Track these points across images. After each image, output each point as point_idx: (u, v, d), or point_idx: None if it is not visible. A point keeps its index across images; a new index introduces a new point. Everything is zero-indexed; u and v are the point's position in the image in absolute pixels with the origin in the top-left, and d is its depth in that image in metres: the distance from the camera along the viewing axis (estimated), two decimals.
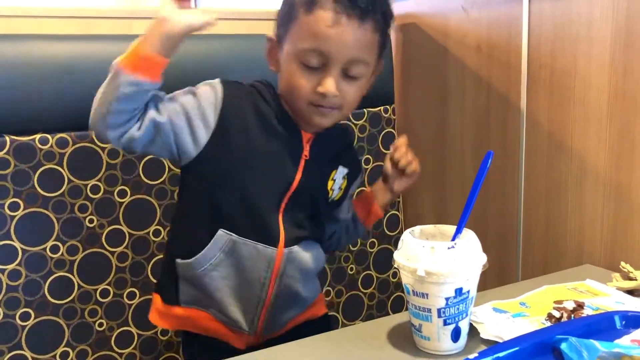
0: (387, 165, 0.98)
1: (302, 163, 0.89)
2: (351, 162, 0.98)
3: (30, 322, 1.01)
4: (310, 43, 0.82)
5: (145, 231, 1.10)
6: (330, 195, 0.95)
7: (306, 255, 0.92)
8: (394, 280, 1.35)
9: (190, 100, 0.85)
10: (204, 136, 0.85)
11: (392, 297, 1.37)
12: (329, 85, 0.83)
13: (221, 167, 0.86)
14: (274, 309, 0.92)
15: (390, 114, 1.34)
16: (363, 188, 1.18)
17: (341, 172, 0.96)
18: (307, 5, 0.82)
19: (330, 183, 0.94)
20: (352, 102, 0.88)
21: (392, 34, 1.33)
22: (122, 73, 0.79)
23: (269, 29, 1.28)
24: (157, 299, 0.95)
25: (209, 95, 0.86)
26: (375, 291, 1.35)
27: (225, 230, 0.86)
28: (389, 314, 1.29)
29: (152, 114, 0.82)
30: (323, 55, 0.82)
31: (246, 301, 0.91)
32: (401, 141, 0.99)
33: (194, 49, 1.13)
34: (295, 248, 0.90)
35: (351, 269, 1.31)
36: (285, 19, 0.86)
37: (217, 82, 0.88)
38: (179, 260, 0.89)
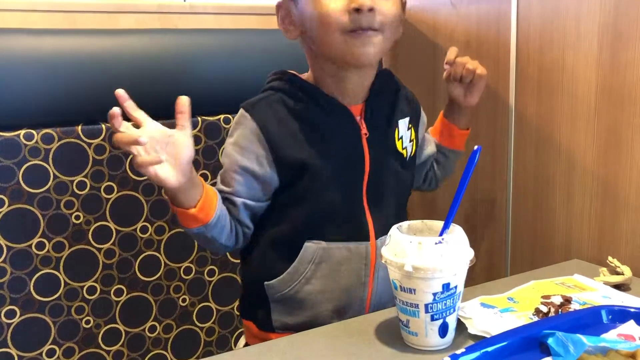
0: (451, 88, 0.97)
1: (365, 142, 0.85)
2: (406, 107, 0.93)
3: (16, 320, 1.00)
4: None
5: (133, 227, 1.09)
6: (405, 155, 0.90)
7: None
8: None
9: (244, 159, 0.83)
10: (274, 174, 0.83)
11: None
12: (377, 20, 0.76)
13: (293, 183, 0.83)
14: (376, 306, 0.88)
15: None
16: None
17: (403, 125, 0.90)
18: None
19: (399, 144, 0.88)
20: (392, 20, 0.80)
21: None
22: (187, 230, 0.81)
23: (255, 23, 1.27)
24: (250, 326, 0.91)
25: (247, 136, 0.83)
26: None
27: (313, 241, 0.83)
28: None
29: (245, 220, 0.85)
30: None
31: (349, 307, 0.86)
32: (452, 53, 0.96)
33: (183, 41, 1.12)
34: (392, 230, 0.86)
35: None
36: None
37: (244, 115, 0.84)
38: (267, 283, 0.85)
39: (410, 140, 0.93)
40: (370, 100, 0.87)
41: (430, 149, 1.03)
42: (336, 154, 0.84)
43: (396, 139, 0.90)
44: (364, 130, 0.85)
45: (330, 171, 0.83)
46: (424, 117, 1.01)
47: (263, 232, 0.88)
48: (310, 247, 0.84)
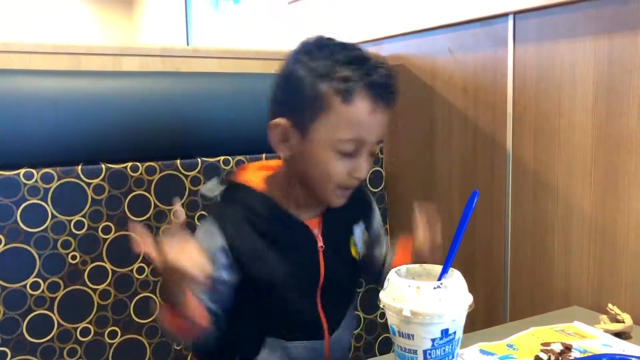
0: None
1: (321, 255, 0.91)
2: (360, 210, 0.99)
3: None
4: (351, 133, 0.83)
5: (129, 268, 1.08)
6: (358, 257, 0.96)
7: (346, 332, 0.97)
8: (382, 321, 1.34)
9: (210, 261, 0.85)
10: (231, 278, 0.87)
11: (379, 339, 1.35)
12: (365, 171, 0.86)
13: (254, 288, 0.88)
14: None
15: (378, 153, 1.34)
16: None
17: (358, 231, 0.97)
18: (344, 96, 0.82)
19: (353, 250, 0.95)
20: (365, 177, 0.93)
21: None
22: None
23: (257, 67, 1.30)
24: None
25: (216, 250, 0.86)
26: (363, 332, 1.33)
27: (273, 337, 0.90)
28: (376, 356, 1.27)
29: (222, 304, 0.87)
30: (360, 142, 0.84)
31: None
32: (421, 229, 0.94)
33: (185, 84, 1.14)
34: (338, 332, 0.94)
35: None
36: (311, 106, 0.83)
37: (213, 230, 0.88)
38: None
39: (364, 242, 0.99)
40: (327, 214, 0.93)
41: (380, 250, 1.06)
42: (294, 266, 0.89)
43: (351, 246, 0.96)
44: (320, 243, 0.91)
45: (288, 283, 0.88)
46: (375, 210, 1.05)
47: (237, 316, 0.91)
48: (272, 342, 0.90)
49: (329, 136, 0.83)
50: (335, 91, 0.82)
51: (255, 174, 0.93)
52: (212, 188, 0.94)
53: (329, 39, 0.87)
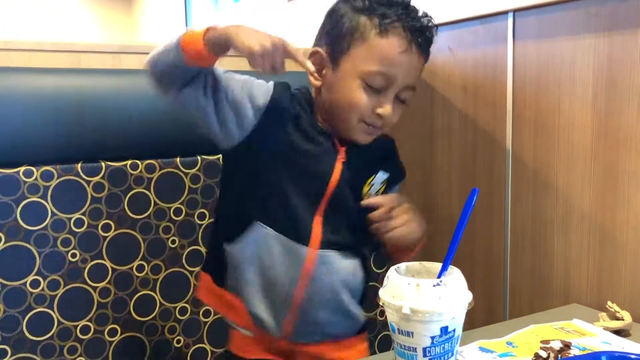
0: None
1: (339, 166, 0.90)
2: (393, 169, 0.98)
3: None
4: (380, 66, 0.86)
5: (129, 266, 1.08)
6: (364, 195, 0.94)
7: (345, 264, 0.92)
8: (381, 319, 1.34)
9: (243, 89, 0.89)
10: (249, 123, 0.88)
11: (379, 337, 1.35)
12: (389, 109, 0.87)
13: (260, 160, 0.89)
14: (303, 313, 0.91)
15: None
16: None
17: (380, 177, 0.96)
18: (381, 29, 0.85)
19: (365, 188, 0.94)
20: (394, 123, 0.92)
21: None
22: (183, 57, 0.83)
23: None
24: (206, 277, 0.97)
25: (262, 88, 0.90)
26: None
27: (261, 223, 0.88)
28: (376, 354, 1.27)
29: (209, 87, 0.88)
30: (388, 79, 0.86)
31: (274, 300, 0.91)
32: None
33: None
34: (331, 253, 0.90)
35: None
36: (348, 36, 0.87)
37: (269, 88, 0.91)
38: (225, 246, 0.91)
39: (377, 193, 0.96)
40: (356, 146, 0.92)
41: None
42: (308, 160, 0.89)
43: (367, 183, 0.94)
44: (341, 155, 0.91)
45: (296, 169, 0.89)
46: (402, 179, 1.03)
47: (228, 199, 0.94)
48: (259, 228, 0.89)
49: (359, 66, 0.86)
50: (373, 24, 0.86)
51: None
52: None
53: None
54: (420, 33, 0.87)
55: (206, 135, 0.91)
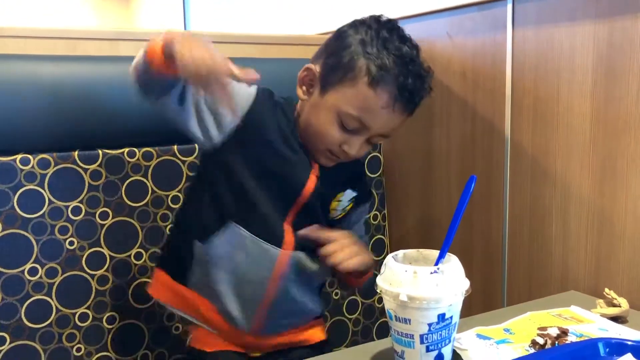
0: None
1: (313, 178, 0.92)
2: (361, 190, 1.01)
3: (5, 347, 0.98)
4: (359, 113, 0.87)
5: (127, 254, 1.08)
6: (331, 214, 0.97)
7: (311, 263, 0.94)
8: (379, 305, 1.34)
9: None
10: (229, 124, 0.89)
11: (377, 323, 1.35)
12: (355, 149, 0.90)
13: (238, 161, 0.89)
14: (272, 310, 0.93)
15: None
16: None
17: (349, 195, 0.98)
18: (372, 79, 0.85)
19: (334, 203, 0.97)
20: (358, 157, 0.94)
21: None
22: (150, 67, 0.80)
23: (255, 52, 1.29)
24: (161, 273, 0.97)
25: (243, 90, 0.90)
26: (361, 317, 1.33)
27: (237, 225, 0.89)
28: (374, 340, 1.28)
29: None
30: (363, 125, 0.88)
31: (245, 298, 0.93)
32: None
33: None
34: (302, 254, 0.93)
35: (336, 294, 1.30)
36: (342, 71, 0.87)
37: (253, 86, 0.92)
38: (197, 243, 0.91)
39: (344, 209, 0.99)
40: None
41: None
42: (282, 168, 0.91)
43: (335, 198, 0.97)
44: (315, 170, 0.93)
45: (270, 175, 0.90)
46: (366, 211, 1.07)
47: (202, 197, 0.93)
48: (233, 229, 0.90)
49: (340, 104, 0.87)
50: (367, 70, 0.86)
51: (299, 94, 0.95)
52: None
53: (395, 24, 0.91)
54: (410, 95, 0.88)
55: (187, 136, 0.91)
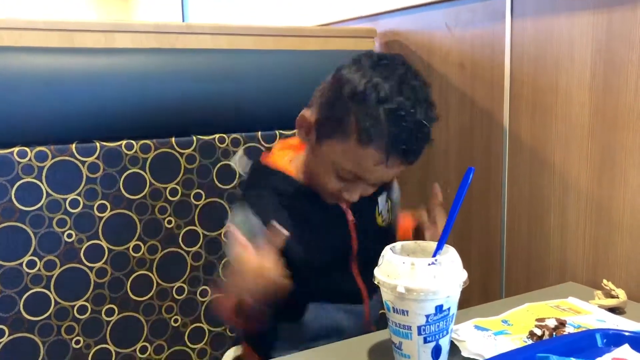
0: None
1: (352, 227, 0.92)
2: (382, 187, 0.97)
3: (4, 340, 0.98)
4: (353, 168, 0.84)
5: (125, 247, 1.08)
6: (384, 225, 0.97)
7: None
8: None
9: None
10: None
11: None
12: (355, 197, 0.88)
13: (292, 266, 0.84)
14: None
15: None
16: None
17: (381, 200, 0.97)
18: (362, 138, 0.80)
19: (379, 219, 0.96)
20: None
21: (376, 49, 1.34)
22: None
23: (251, 44, 1.28)
24: (248, 349, 0.99)
25: (251, 226, 0.86)
26: None
27: (316, 303, 0.91)
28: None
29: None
30: (359, 177, 0.85)
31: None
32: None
33: (179, 61, 1.13)
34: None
35: None
36: (334, 124, 0.83)
37: (247, 212, 0.88)
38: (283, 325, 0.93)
39: (388, 211, 0.99)
40: None
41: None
42: (327, 242, 0.91)
43: (377, 216, 0.96)
44: (350, 217, 0.92)
45: (324, 258, 0.90)
46: (396, 187, 1.04)
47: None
48: (314, 309, 0.91)
49: (335, 157, 0.84)
50: (357, 128, 0.80)
51: (281, 157, 0.94)
52: (242, 164, 0.96)
53: (401, 66, 0.83)
54: (406, 147, 0.81)
55: None
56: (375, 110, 0.79)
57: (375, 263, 0.90)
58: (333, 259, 0.92)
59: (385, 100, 0.79)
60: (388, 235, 0.97)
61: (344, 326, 0.93)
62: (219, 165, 1.15)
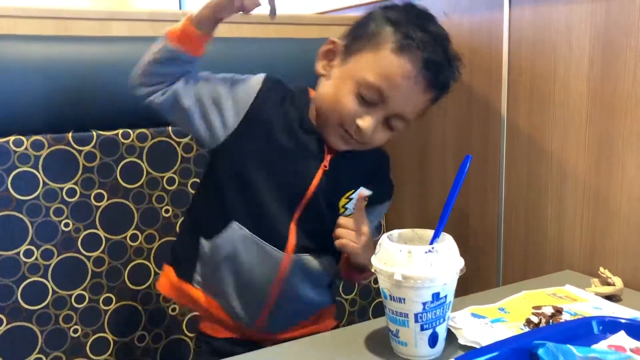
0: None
1: (320, 173, 0.89)
2: (380, 187, 0.96)
3: (2, 329, 0.99)
4: (379, 81, 0.82)
5: (122, 236, 1.08)
6: (340, 212, 0.92)
7: (316, 263, 0.92)
8: (376, 286, 1.35)
9: (225, 87, 0.89)
10: (232, 121, 0.87)
11: (373, 304, 1.36)
12: (368, 124, 0.84)
13: (242, 159, 0.88)
14: (276, 311, 0.92)
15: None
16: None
17: (363, 192, 0.93)
18: (398, 46, 0.82)
19: (343, 200, 0.92)
20: (376, 145, 0.89)
21: None
22: (166, 40, 0.85)
23: (249, 32, 1.27)
24: (170, 271, 0.96)
25: (247, 85, 0.89)
26: (357, 297, 1.34)
27: (239, 224, 0.88)
28: (369, 319, 1.28)
29: (177, 86, 0.87)
30: (382, 97, 0.83)
31: (248, 299, 0.92)
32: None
33: None
34: (306, 256, 0.91)
35: None
36: (366, 39, 0.85)
37: (260, 76, 0.90)
38: (203, 240, 0.90)
39: (354, 209, 0.92)
40: (350, 152, 0.90)
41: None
42: (288, 162, 0.88)
43: (345, 195, 0.92)
44: (325, 162, 0.89)
45: (275, 171, 0.88)
46: (381, 212, 1.02)
47: (208, 196, 0.92)
48: (236, 229, 0.88)
49: (360, 72, 0.84)
50: (393, 38, 0.83)
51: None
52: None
53: (424, 11, 0.88)
54: (436, 69, 0.83)
55: (192, 135, 0.91)
56: (413, 28, 0.83)
57: (319, 232, 0.91)
58: (282, 191, 0.88)
59: (422, 25, 0.84)
60: (331, 223, 0.91)
61: (252, 262, 0.89)
62: None
